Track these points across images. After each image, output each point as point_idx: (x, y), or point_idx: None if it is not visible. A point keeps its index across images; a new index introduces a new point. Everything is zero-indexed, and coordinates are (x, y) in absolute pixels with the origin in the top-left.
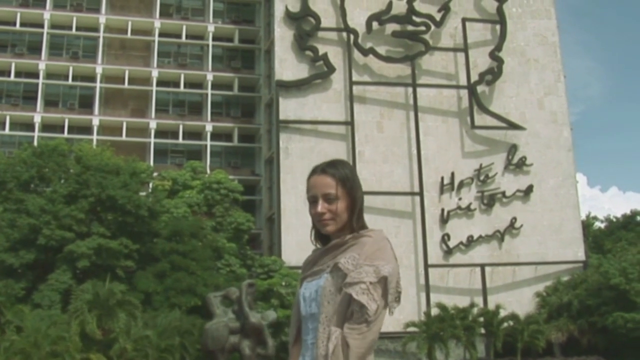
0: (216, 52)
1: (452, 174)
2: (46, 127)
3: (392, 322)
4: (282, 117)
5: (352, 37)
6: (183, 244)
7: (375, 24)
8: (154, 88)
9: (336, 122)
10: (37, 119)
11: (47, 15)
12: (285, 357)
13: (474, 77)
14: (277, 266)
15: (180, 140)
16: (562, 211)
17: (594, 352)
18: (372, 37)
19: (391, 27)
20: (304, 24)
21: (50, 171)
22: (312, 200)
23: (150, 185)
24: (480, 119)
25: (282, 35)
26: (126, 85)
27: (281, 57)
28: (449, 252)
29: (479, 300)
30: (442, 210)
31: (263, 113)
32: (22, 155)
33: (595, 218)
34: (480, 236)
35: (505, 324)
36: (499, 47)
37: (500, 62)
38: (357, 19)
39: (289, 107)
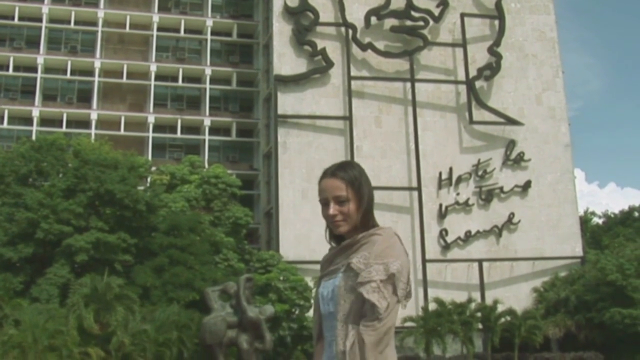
0: (214, 46)
1: (450, 169)
2: (44, 121)
3: None
4: (280, 111)
5: (350, 32)
6: (181, 238)
7: (373, 19)
8: (152, 82)
9: (334, 117)
10: (36, 113)
11: (45, 9)
12: (283, 351)
13: (473, 73)
14: (275, 261)
15: (179, 135)
16: (559, 207)
17: (591, 348)
18: (371, 32)
19: (390, 22)
20: (303, 19)
21: (48, 165)
22: (324, 203)
23: (149, 179)
24: (479, 114)
25: (281, 30)
26: (124, 80)
27: (280, 51)
28: (446, 247)
29: (476, 296)
30: (440, 205)
31: (261, 108)
32: (20, 149)
33: (593, 214)
34: (478, 231)
35: (503, 319)
36: (497, 43)
37: (498, 57)
38: (355, 14)
39: (287, 102)
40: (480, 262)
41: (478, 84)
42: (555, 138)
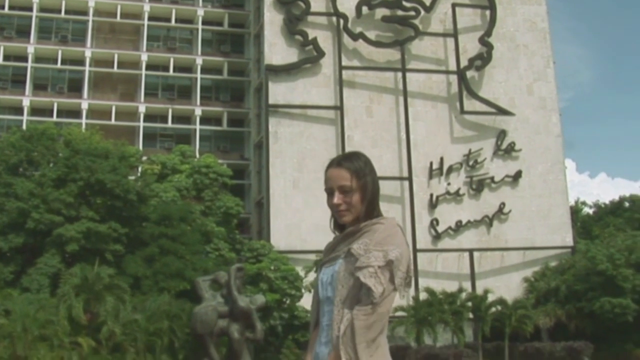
0: (206, 36)
1: (441, 159)
2: (35, 110)
3: None
4: (271, 101)
5: (341, 21)
6: (172, 228)
7: (365, 9)
8: (143, 72)
9: (325, 107)
10: (26, 102)
11: None
12: (274, 340)
13: (464, 63)
14: (265, 250)
15: (170, 125)
16: (550, 197)
17: (581, 337)
18: (362, 22)
19: (381, 12)
20: (294, 8)
21: (39, 155)
22: (329, 192)
23: (139, 169)
24: (470, 104)
25: (272, 20)
26: (115, 69)
27: (271, 41)
28: (437, 237)
29: (467, 285)
30: (431, 195)
31: (252, 97)
32: (10, 139)
33: (583, 204)
34: (469, 221)
35: (493, 309)
36: (488, 33)
37: (489, 47)
38: (346, 4)
39: (279, 92)
40: (471, 251)
41: (469, 74)
42: (546, 128)
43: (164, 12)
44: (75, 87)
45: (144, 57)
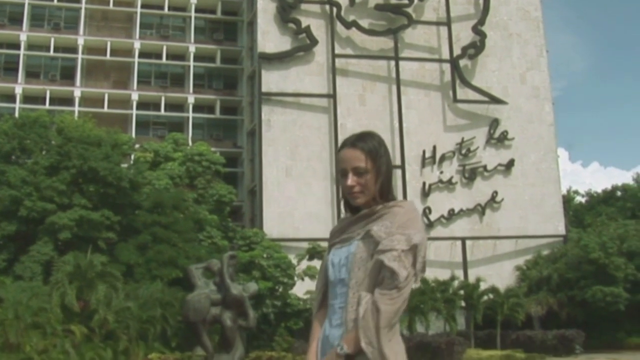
0: (198, 23)
1: (434, 147)
2: (27, 98)
3: None
4: (264, 89)
5: (335, 9)
6: (165, 215)
7: None
8: (136, 60)
9: (318, 95)
10: (19, 90)
11: None
12: (266, 328)
13: (457, 51)
14: (258, 238)
15: (162, 112)
16: (543, 185)
17: (573, 325)
18: (355, 10)
19: (374, 0)
20: None
21: (31, 143)
22: (343, 174)
23: (132, 157)
24: (463, 92)
25: (265, 7)
26: (108, 57)
27: (264, 29)
28: (430, 225)
29: (459, 274)
30: (424, 183)
31: (245, 85)
32: (3, 126)
33: (576, 192)
34: (462, 210)
35: (486, 297)
36: (481, 21)
37: (482, 36)
38: None
39: (272, 80)
40: (463, 240)
41: (462, 62)
42: (539, 117)
43: (156, 0)
44: (67, 75)
45: (137, 44)
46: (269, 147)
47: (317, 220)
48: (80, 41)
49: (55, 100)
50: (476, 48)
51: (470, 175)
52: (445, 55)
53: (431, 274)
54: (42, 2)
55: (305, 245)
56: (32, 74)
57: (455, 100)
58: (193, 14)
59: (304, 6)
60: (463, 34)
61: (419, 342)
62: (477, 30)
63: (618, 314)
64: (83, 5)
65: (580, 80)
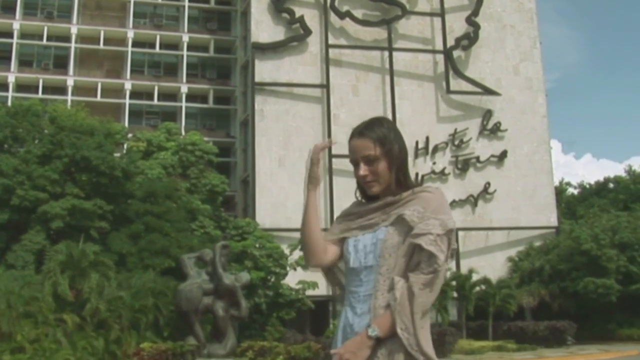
0: (192, 13)
1: (427, 138)
2: (20, 87)
3: None
4: (257, 79)
5: (328, 0)
6: (157, 205)
7: None
8: (130, 49)
9: (312, 85)
10: (11, 79)
11: None
12: (258, 318)
13: (450, 42)
14: (251, 228)
15: (155, 102)
16: (535, 177)
17: (565, 317)
18: (349, 0)
19: None
20: None
21: (24, 131)
22: (354, 164)
23: (125, 146)
24: (456, 83)
25: None
26: (101, 46)
27: (257, 19)
28: None
29: (451, 264)
30: (417, 174)
31: (238, 75)
32: None
33: (568, 184)
34: (454, 200)
35: (478, 288)
36: (475, 12)
37: (476, 27)
38: None
39: (265, 69)
40: (455, 231)
41: (456, 53)
42: (532, 109)
43: None
44: (60, 64)
45: (130, 34)
46: (262, 137)
47: None
48: (74, 30)
49: (48, 89)
50: (470, 39)
51: (463, 166)
52: (439, 46)
53: None
54: None
55: (297, 235)
56: (24, 63)
57: (449, 91)
58: (187, 4)
59: None
60: (457, 25)
61: None
62: (471, 21)
63: (610, 305)
64: None
65: (574, 72)
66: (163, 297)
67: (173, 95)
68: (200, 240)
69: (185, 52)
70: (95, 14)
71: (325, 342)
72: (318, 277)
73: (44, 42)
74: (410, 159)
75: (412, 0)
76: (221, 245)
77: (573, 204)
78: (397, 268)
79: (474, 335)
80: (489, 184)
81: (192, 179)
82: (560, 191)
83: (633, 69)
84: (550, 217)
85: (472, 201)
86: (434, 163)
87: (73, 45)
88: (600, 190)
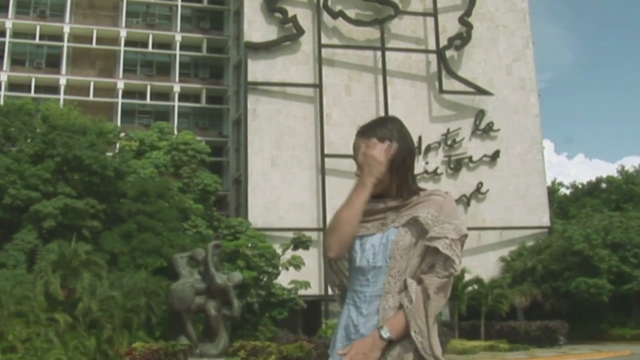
0: (185, 12)
1: (420, 138)
2: (12, 86)
3: None
4: (250, 78)
5: None
6: (149, 204)
7: None
8: (122, 48)
9: (304, 85)
10: (4, 77)
11: None
12: (250, 317)
13: (443, 42)
14: (243, 228)
15: (148, 101)
16: (528, 177)
17: (557, 317)
18: (342, 0)
19: None
20: None
21: (16, 130)
22: (356, 162)
23: (117, 145)
24: (449, 83)
25: None
26: (94, 45)
27: (250, 18)
28: None
29: None
30: None
31: (231, 74)
32: None
33: (560, 184)
34: None
35: (470, 288)
36: (468, 13)
37: (469, 27)
38: None
39: (258, 69)
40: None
41: (448, 53)
42: (525, 108)
43: None
44: (53, 63)
45: (123, 33)
46: (255, 137)
47: (302, 210)
48: (66, 29)
49: (41, 88)
50: (462, 39)
51: (456, 166)
52: (432, 46)
53: None
54: None
55: (290, 234)
56: (17, 62)
57: (441, 91)
58: (179, 3)
59: None
60: (449, 25)
61: None
62: (464, 21)
63: (602, 305)
64: None
65: (567, 72)
66: (155, 296)
67: (166, 95)
68: (193, 239)
69: (177, 52)
70: (88, 13)
71: (318, 342)
72: (310, 276)
73: (37, 41)
74: None
75: (404, 0)
76: (213, 245)
77: (565, 204)
78: (409, 270)
79: (467, 335)
80: (481, 183)
81: (184, 178)
82: (552, 191)
83: (626, 69)
84: (542, 217)
85: (465, 201)
86: (427, 163)
87: (65, 44)
88: (592, 190)
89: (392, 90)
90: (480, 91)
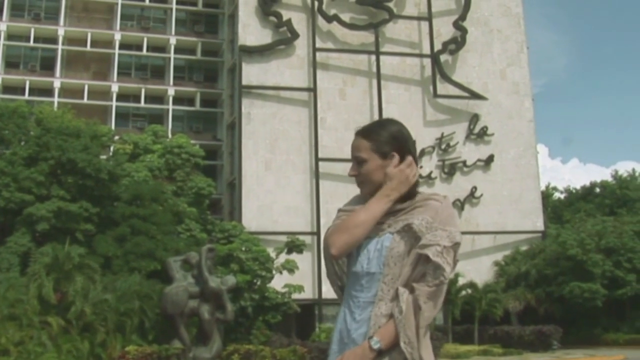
0: (179, 15)
1: (414, 142)
2: (7, 88)
3: None
4: (244, 82)
5: (316, 3)
6: (143, 208)
7: None
8: (117, 51)
9: (299, 89)
10: None
11: None
12: (244, 321)
13: (438, 46)
14: (237, 231)
15: (142, 104)
16: (522, 181)
17: (551, 321)
18: (336, 4)
19: None
20: None
21: (10, 133)
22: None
23: (111, 148)
24: (443, 88)
25: (246, 0)
26: (88, 48)
27: (245, 22)
28: None
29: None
30: None
31: (226, 78)
32: None
33: (554, 189)
34: None
35: (464, 292)
36: (462, 17)
37: (463, 31)
38: None
39: (252, 73)
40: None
41: (443, 57)
42: (519, 113)
43: None
44: (47, 66)
45: (117, 36)
46: (249, 140)
47: (296, 214)
48: (61, 32)
49: (35, 90)
50: (457, 43)
51: (450, 170)
52: (426, 50)
53: None
54: None
55: (283, 238)
56: (11, 64)
57: (436, 95)
58: (174, 6)
59: None
60: (444, 29)
61: None
62: (458, 25)
63: (595, 310)
64: None
65: (561, 76)
66: (148, 300)
67: (160, 98)
68: (186, 243)
69: (172, 55)
70: (83, 16)
71: (311, 346)
72: (304, 280)
73: (31, 43)
74: None
75: (399, 4)
76: (207, 249)
77: (559, 209)
78: (402, 277)
79: (460, 340)
80: (475, 188)
81: (178, 181)
82: (546, 196)
83: (620, 74)
84: (536, 221)
85: (459, 205)
86: (421, 167)
87: (60, 47)
88: (586, 195)
89: (387, 95)
90: (475, 96)
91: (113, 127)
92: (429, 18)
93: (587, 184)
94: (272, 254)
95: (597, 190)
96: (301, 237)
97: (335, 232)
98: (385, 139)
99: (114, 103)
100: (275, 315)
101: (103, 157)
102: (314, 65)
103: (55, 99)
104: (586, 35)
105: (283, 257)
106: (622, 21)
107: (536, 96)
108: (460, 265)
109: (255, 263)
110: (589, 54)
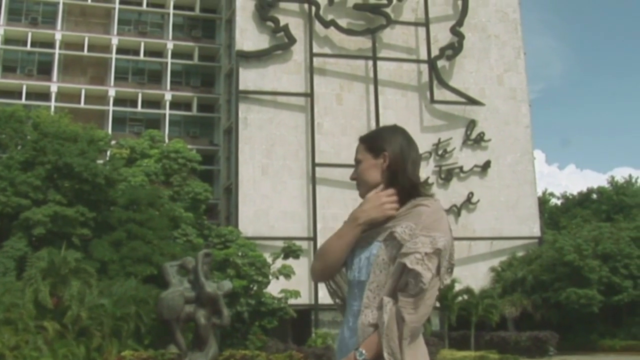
0: (177, 20)
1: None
2: (4, 93)
3: None
4: (241, 87)
5: (313, 8)
6: (140, 212)
7: None
8: (114, 56)
9: (296, 94)
10: None
11: None
12: (240, 327)
13: (435, 52)
14: (233, 236)
15: (139, 109)
16: (519, 187)
17: (547, 327)
18: (334, 9)
19: (353, 0)
20: None
21: (6, 137)
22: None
23: (108, 153)
24: (440, 93)
25: (244, 5)
26: (85, 53)
27: (242, 27)
28: None
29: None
30: None
31: (223, 83)
32: None
33: (551, 195)
34: None
35: (460, 298)
36: (460, 23)
37: (460, 37)
38: None
39: (249, 78)
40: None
41: (440, 63)
42: (516, 119)
43: None
44: (44, 70)
45: (115, 40)
46: (246, 145)
47: (292, 219)
48: (58, 36)
49: (32, 95)
50: (454, 49)
51: (447, 176)
52: (423, 55)
53: None
54: None
55: (280, 243)
56: (8, 69)
57: (433, 101)
58: (171, 11)
59: (282, 5)
60: (441, 35)
61: None
62: (455, 31)
63: (592, 316)
64: (61, 0)
65: (558, 82)
66: (145, 305)
67: (157, 103)
68: (183, 248)
69: (169, 60)
70: (80, 21)
71: (307, 351)
72: (300, 286)
73: (28, 48)
74: None
75: (396, 9)
76: (203, 254)
77: (556, 215)
78: (388, 285)
79: (457, 345)
80: (472, 194)
81: (175, 186)
82: (543, 202)
83: (617, 80)
84: (533, 227)
85: (456, 211)
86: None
87: (57, 51)
88: (583, 201)
89: (384, 100)
90: (472, 101)
91: (110, 131)
92: (426, 24)
93: (584, 190)
94: (269, 259)
95: (594, 196)
96: (298, 243)
97: (315, 259)
98: (378, 137)
99: (111, 108)
100: (271, 321)
101: (100, 161)
102: (311, 70)
103: (52, 104)
104: (583, 41)
105: (279, 262)
106: (619, 27)
107: (533, 102)
108: (457, 271)
109: (251, 268)
110: (586, 60)
